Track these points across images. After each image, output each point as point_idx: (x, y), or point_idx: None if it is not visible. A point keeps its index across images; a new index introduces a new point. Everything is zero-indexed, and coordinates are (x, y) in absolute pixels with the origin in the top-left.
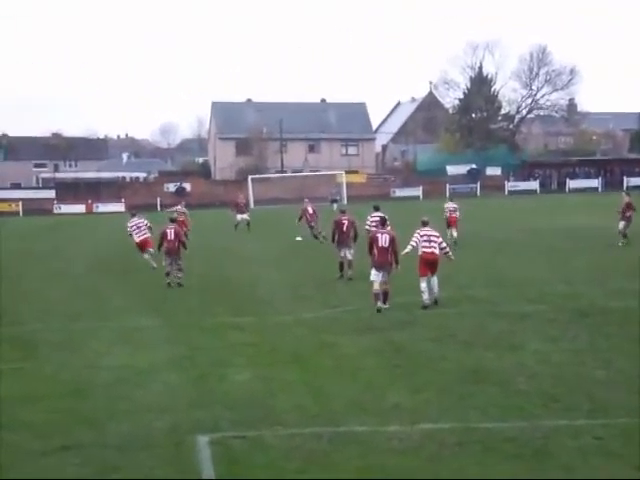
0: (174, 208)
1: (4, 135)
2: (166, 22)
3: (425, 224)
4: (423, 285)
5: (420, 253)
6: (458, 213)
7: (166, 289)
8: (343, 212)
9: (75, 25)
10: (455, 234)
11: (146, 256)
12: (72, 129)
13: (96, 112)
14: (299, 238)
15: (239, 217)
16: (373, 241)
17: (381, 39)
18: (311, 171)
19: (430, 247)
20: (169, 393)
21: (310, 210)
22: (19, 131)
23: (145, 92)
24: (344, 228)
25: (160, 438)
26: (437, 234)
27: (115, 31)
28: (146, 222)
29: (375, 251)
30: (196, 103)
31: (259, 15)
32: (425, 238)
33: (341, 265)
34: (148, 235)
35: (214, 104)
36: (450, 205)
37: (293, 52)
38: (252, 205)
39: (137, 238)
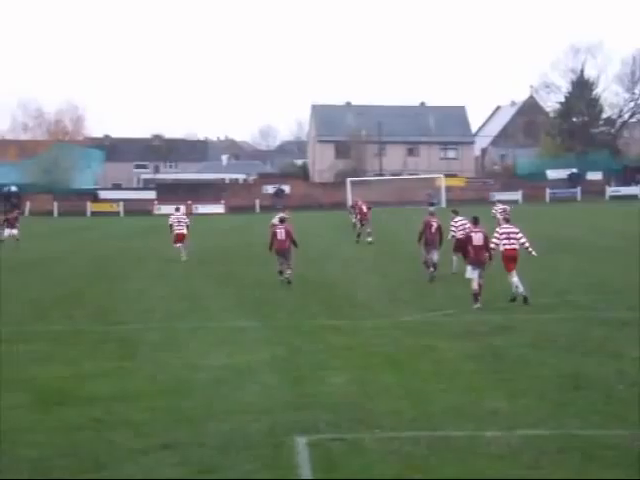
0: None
1: (106, 136)
2: (266, 25)
3: (507, 221)
4: (515, 279)
5: (502, 250)
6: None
7: (268, 290)
8: (432, 214)
9: (176, 28)
10: None
11: (178, 245)
12: (173, 131)
13: (196, 114)
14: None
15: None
16: (468, 240)
17: (481, 42)
18: (410, 174)
19: (511, 244)
20: (267, 394)
21: (364, 208)
22: (121, 132)
23: (245, 94)
24: (432, 229)
25: (258, 439)
26: (517, 230)
27: (215, 34)
28: (187, 220)
29: (470, 249)
30: (296, 105)
31: (359, 17)
32: (505, 235)
33: (426, 264)
34: (185, 231)
35: (314, 107)
36: (499, 207)
37: (393, 55)
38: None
39: (176, 230)
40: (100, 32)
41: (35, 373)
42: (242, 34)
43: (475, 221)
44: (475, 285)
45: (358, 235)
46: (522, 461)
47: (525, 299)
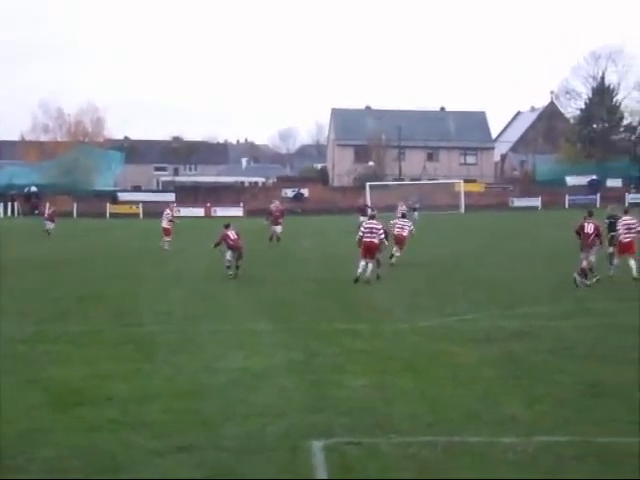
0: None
1: (126, 138)
2: (287, 28)
3: (372, 217)
4: (362, 263)
5: (363, 241)
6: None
7: (285, 293)
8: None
9: (195, 30)
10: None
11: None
12: (192, 133)
13: (217, 117)
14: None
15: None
16: (580, 229)
17: (502, 47)
18: (429, 179)
19: (372, 237)
20: (284, 397)
21: (275, 210)
22: (140, 134)
23: (265, 98)
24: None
25: (274, 442)
26: (379, 226)
27: (236, 36)
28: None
29: (582, 236)
30: (315, 109)
31: (378, 21)
32: (368, 230)
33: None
34: (167, 225)
35: (333, 110)
36: (404, 207)
37: (413, 59)
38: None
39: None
40: (119, 33)
41: (53, 373)
42: (262, 37)
43: (590, 214)
44: (585, 264)
45: (270, 238)
46: (539, 468)
47: (366, 280)
